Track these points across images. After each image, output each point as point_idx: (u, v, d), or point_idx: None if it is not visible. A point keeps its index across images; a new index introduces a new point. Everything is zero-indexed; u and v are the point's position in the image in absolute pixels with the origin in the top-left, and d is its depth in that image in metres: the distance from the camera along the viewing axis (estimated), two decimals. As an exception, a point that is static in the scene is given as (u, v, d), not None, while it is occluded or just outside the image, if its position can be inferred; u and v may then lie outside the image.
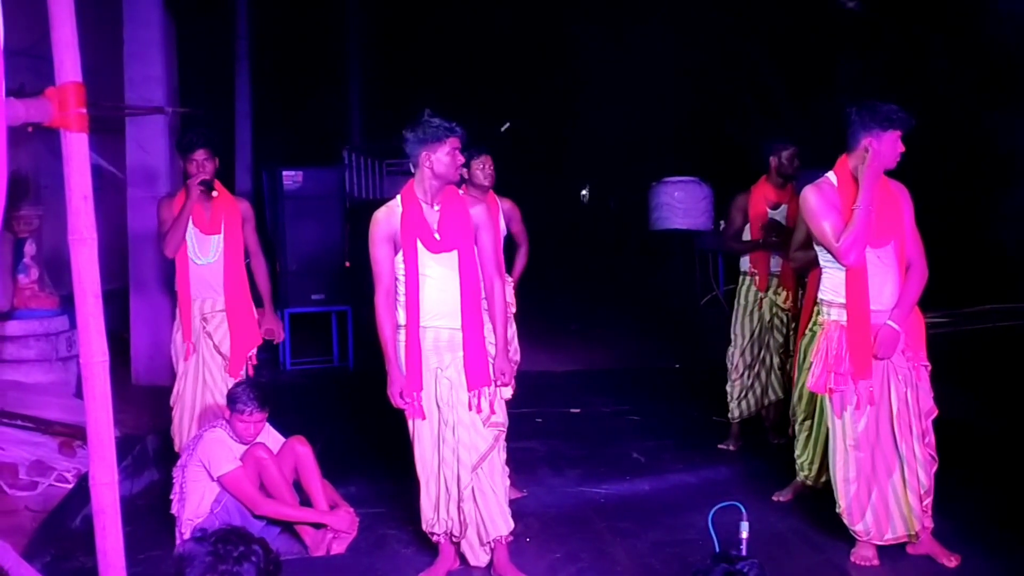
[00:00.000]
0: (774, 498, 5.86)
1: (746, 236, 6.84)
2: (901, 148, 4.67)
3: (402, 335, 4.65)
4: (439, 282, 4.61)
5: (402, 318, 4.65)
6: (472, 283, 4.63)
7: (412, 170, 4.72)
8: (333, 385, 9.60)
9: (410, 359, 4.63)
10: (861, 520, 4.79)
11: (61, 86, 2.16)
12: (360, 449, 7.13)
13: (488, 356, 4.65)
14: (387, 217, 4.67)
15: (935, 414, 4.80)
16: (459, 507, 4.67)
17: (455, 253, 4.62)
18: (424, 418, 4.66)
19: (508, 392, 4.75)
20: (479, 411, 4.62)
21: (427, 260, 4.61)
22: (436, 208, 4.64)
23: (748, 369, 6.84)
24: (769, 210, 6.73)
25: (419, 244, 4.60)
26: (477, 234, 4.68)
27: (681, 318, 13.14)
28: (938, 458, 4.80)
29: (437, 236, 4.61)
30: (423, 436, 4.69)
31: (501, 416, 4.70)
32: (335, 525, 5.15)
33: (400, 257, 4.63)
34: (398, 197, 4.72)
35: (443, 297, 4.61)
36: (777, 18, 15.45)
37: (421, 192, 4.66)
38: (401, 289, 4.64)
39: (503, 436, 4.75)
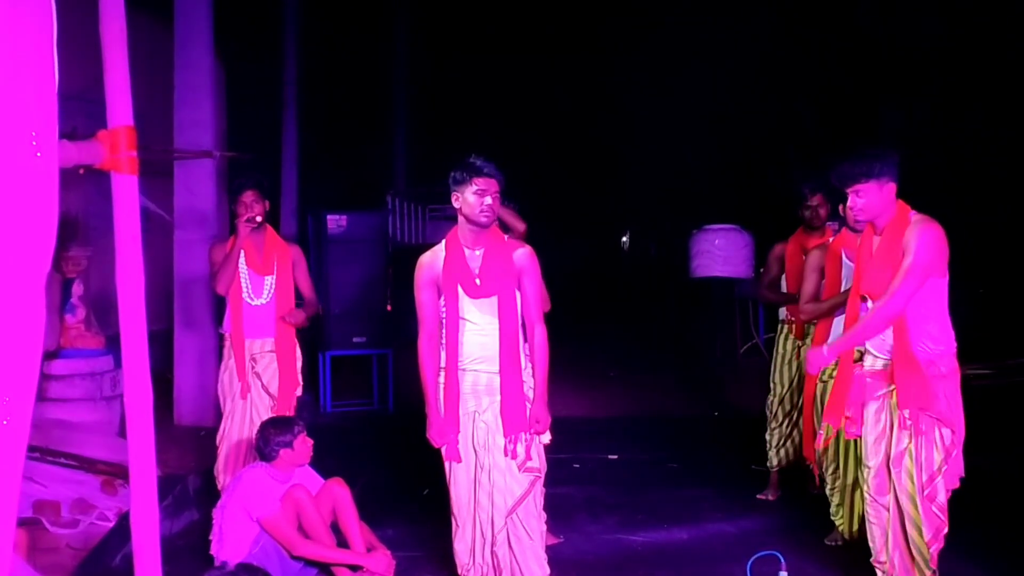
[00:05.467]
0: (827, 541, 5.83)
1: (784, 286, 6.82)
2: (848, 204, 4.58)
3: (442, 377, 4.68)
4: (479, 326, 4.64)
5: (443, 361, 4.68)
6: (511, 328, 4.64)
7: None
8: (372, 428, 9.62)
9: (448, 401, 4.65)
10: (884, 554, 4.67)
11: (113, 129, 2.20)
12: (398, 492, 7.14)
13: (526, 401, 4.66)
14: (431, 261, 4.71)
15: (944, 469, 4.44)
16: (493, 551, 4.66)
17: (495, 298, 4.64)
18: (460, 461, 4.67)
19: (547, 437, 4.75)
20: (514, 456, 4.62)
21: (467, 305, 4.64)
22: (478, 252, 4.67)
23: (787, 417, 6.80)
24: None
25: (460, 289, 4.64)
26: (520, 279, 4.68)
27: (721, 366, 13.08)
28: (948, 520, 4.49)
29: (478, 281, 4.64)
30: (459, 479, 4.70)
31: (538, 462, 4.68)
32: (372, 567, 5.15)
33: (443, 301, 4.67)
34: (443, 242, 4.76)
35: (483, 341, 4.63)
36: (820, 67, 15.47)
37: (463, 236, 4.69)
38: (443, 332, 4.68)
39: (540, 482, 4.73)
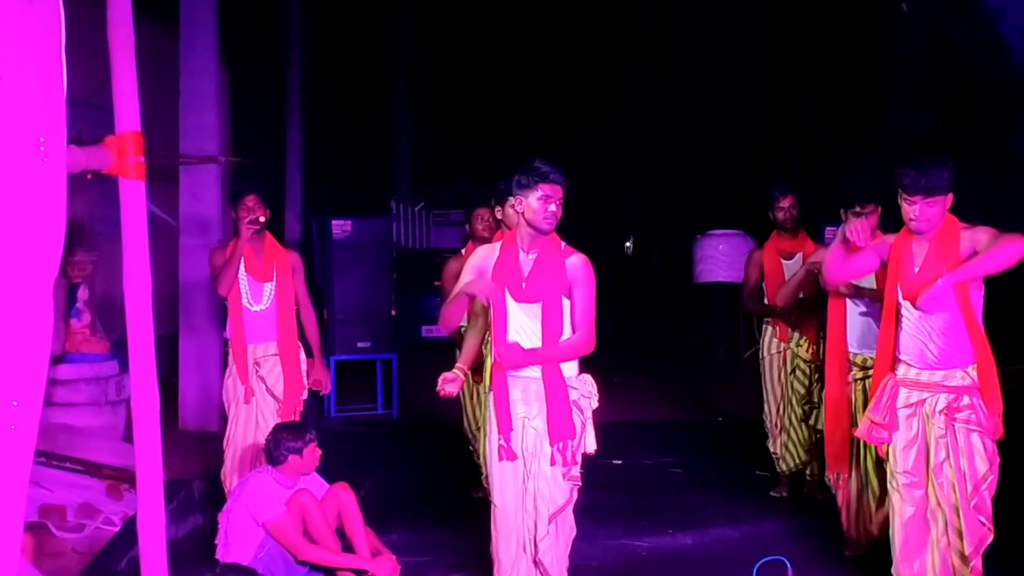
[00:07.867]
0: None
1: (764, 292, 6.79)
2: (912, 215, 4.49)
3: (485, 384, 4.62)
4: (524, 331, 4.54)
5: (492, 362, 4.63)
6: (554, 336, 4.51)
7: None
8: (377, 433, 9.61)
9: (499, 401, 4.58)
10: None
11: (120, 135, 2.20)
12: (403, 497, 7.14)
13: (572, 409, 4.54)
14: (487, 254, 4.71)
15: (989, 479, 4.51)
16: (537, 559, 4.57)
17: (540, 304, 4.54)
18: (515, 459, 4.57)
19: (592, 445, 4.65)
20: (562, 464, 4.53)
21: (513, 308, 4.57)
22: (531, 256, 4.58)
23: (779, 419, 6.78)
24: (784, 262, 6.65)
25: (506, 292, 4.57)
26: (571, 288, 4.56)
27: (724, 371, 13.06)
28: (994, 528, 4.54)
29: (524, 285, 4.55)
30: (506, 486, 4.61)
31: (578, 471, 4.60)
32: (377, 572, 5.15)
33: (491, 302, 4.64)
34: (500, 243, 4.76)
35: (527, 346, 4.50)
36: (824, 73, 15.47)
37: (520, 238, 4.62)
38: (490, 333, 4.65)
39: (577, 490, 4.66)
